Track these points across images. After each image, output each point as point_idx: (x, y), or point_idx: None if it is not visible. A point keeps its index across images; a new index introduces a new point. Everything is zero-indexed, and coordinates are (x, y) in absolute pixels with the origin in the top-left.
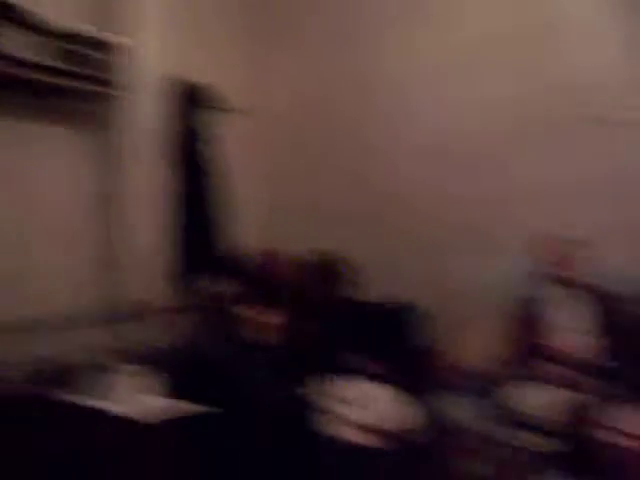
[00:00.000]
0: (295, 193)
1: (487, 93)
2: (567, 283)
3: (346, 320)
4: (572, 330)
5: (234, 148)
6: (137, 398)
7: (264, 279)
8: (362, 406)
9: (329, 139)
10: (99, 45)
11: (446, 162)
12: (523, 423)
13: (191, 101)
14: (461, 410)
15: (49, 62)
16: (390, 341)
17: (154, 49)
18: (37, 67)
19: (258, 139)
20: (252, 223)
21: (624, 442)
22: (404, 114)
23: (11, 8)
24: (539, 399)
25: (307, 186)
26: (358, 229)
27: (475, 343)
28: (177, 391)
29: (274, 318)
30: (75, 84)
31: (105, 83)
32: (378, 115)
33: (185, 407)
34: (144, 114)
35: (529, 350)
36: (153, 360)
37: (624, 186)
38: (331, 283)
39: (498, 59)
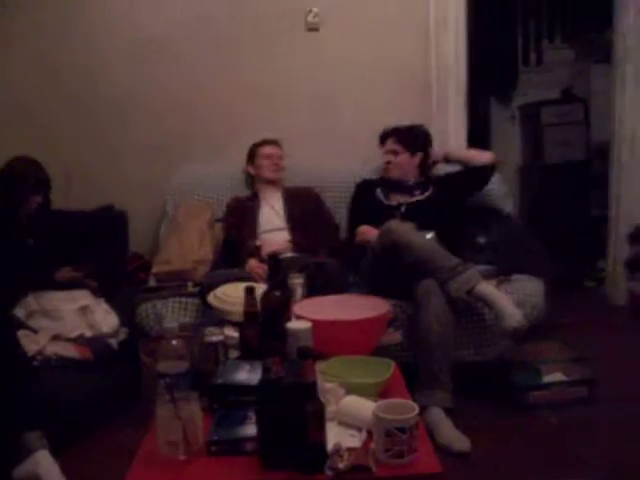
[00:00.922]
0: None
1: None
2: (271, 183)
3: (47, 229)
4: (275, 228)
5: None
6: None
7: None
8: (66, 318)
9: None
10: None
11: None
12: (217, 318)
13: None
14: (163, 311)
15: None
16: (93, 247)
17: None
18: None
19: None
20: None
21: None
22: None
23: None
24: (240, 294)
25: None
26: (58, 133)
27: (179, 245)
28: None
29: None
30: None
31: None
32: None
33: None
34: None
35: (234, 249)
36: None
37: (325, 93)
38: (25, 190)
39: None
